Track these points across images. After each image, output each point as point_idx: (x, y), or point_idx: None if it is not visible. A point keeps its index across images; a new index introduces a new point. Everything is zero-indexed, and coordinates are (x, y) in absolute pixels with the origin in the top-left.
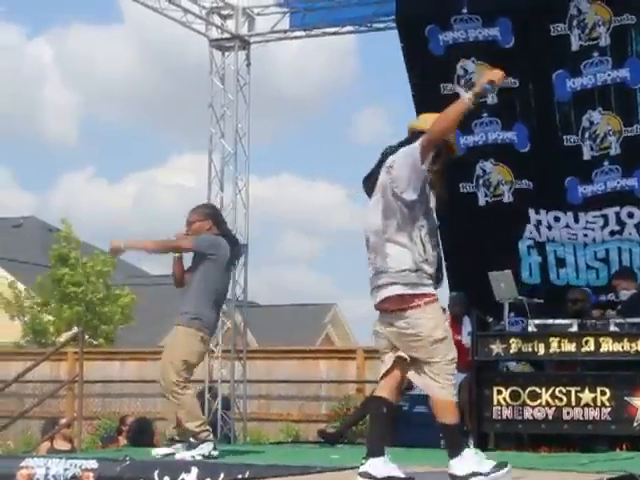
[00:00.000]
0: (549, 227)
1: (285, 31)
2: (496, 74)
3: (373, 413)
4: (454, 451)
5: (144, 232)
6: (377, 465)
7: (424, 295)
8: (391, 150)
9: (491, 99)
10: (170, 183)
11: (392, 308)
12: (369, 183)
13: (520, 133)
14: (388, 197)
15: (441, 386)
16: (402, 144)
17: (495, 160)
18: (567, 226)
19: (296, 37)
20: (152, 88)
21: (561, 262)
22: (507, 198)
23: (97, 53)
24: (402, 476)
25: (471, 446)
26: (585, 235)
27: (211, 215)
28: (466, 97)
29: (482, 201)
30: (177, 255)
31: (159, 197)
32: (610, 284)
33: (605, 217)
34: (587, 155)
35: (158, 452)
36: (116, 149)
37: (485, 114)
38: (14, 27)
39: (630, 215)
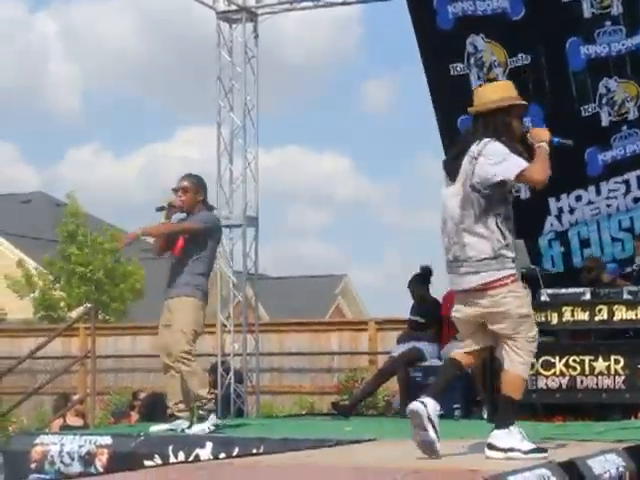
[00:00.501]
0: (571, 210)
1: (292, 2)
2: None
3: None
4: (503, 423)
5: (151, 205)
6: (500, 437)
7: (508, 276)
8: (473, 135)
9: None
10: (176, 156)
11: (477, 289)
12: (452, 167)
13: (535, 116)
14: (467, 188)
15: (522, 361)
16: (485, 125)
17: None
18: (590, 202)
19: (304, 8)
20: (157, 61)
21: (585, 242)
22: (524, 194)
23: (101, 26)
24: (526, 448)
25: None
26: (608, 206)
27: (202, 186)
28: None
29: None
30: (164, 222)
31: (166, 170)
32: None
33: (627, 183)
34: (605, 121)
35: (157, 429)
36: (122, 123)
37: None
38: (15, 1)
39: None
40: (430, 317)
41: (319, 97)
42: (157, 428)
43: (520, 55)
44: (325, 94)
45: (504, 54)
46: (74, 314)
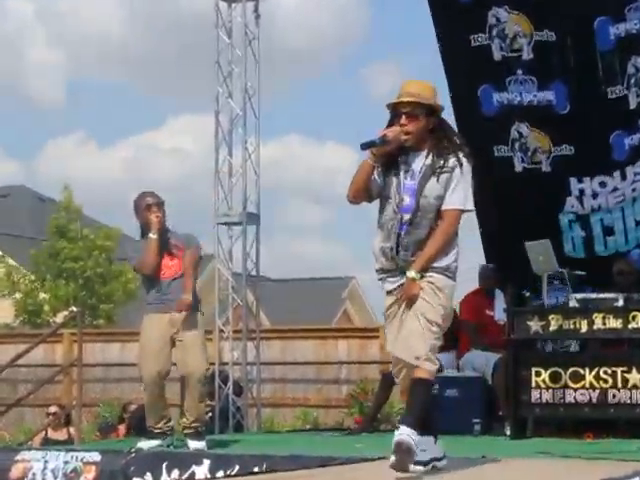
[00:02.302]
0: (594, 195)
1: None
2: (391, 129)
3: None
4: None
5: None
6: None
7: None
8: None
9: (526, 54)
10: (167, 147)
11: None
12: None
13: (559, 93)
14: None
15: None
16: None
17: (531, 125)
18: (615, 189)
19: None
20: (146, 44)
21: (609, 230)
22: (545, 167)
23: (83, 7)
24: None
25: None
26: (633, 190)
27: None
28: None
29: (519, 167)
30: (155, 237)
31: (155, 162)
32: None
33: None
34: (633, 104)
35: (144, 445)
36: (106, 111)
37: (519, 71)
38: None
39: None
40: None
41: (320, 82)
42: (146, 444)
43: (546, 31)
44: (327, 79)
45: (529, 26)
46: (59, 319)
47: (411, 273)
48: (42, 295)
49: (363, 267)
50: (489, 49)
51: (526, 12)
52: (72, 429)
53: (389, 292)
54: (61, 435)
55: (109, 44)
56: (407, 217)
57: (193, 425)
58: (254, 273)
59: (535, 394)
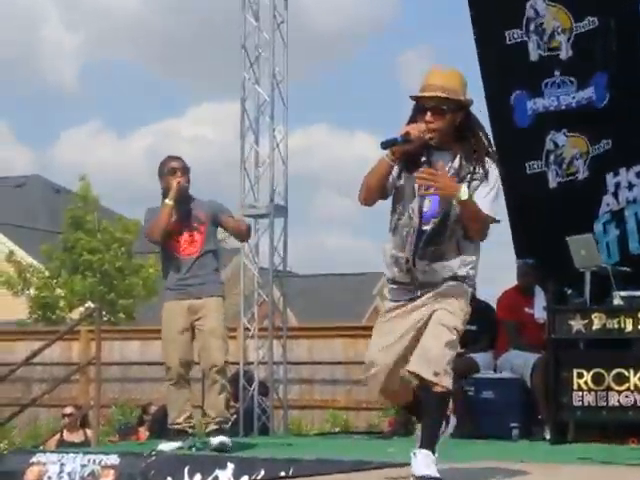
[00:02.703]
0: (629, 187)
1: None
2: (415, 126)
3: None
4: None
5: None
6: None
7: None
8: None
9: (564, 53)
10: (189, 135)
11: None
12: None
13: (598, 86)
14: None
15: None
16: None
17: (569, 130)
18: None
19: None
20: (163, 26)
21: None
22: (582, 174)
23: None
24: None
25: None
26: None
27: None
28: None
29: (553, 182)
30: (170, 204)
31: (175, 152)
32: None
33: None
34: None
35: (165, 447)
36: (125, 98)
37: (557, 72)
38: None
39: None
40: (483, 323)
41: (350, 69)
42: (167, 446)
43: (587, 18)
44: (357, 65)
45: (569, 20)
46: (75, 315)
47: (465, 193)
48: (57, 290)
49: None
50: (525, 47)
51: (565, 3)
52: (89, 431)
53: (396, 301)
54: (77, 437)
55: (127, 26)
56: (429, 226)
57: (217, 420)
58: (281, 268)
59: (576, 396)
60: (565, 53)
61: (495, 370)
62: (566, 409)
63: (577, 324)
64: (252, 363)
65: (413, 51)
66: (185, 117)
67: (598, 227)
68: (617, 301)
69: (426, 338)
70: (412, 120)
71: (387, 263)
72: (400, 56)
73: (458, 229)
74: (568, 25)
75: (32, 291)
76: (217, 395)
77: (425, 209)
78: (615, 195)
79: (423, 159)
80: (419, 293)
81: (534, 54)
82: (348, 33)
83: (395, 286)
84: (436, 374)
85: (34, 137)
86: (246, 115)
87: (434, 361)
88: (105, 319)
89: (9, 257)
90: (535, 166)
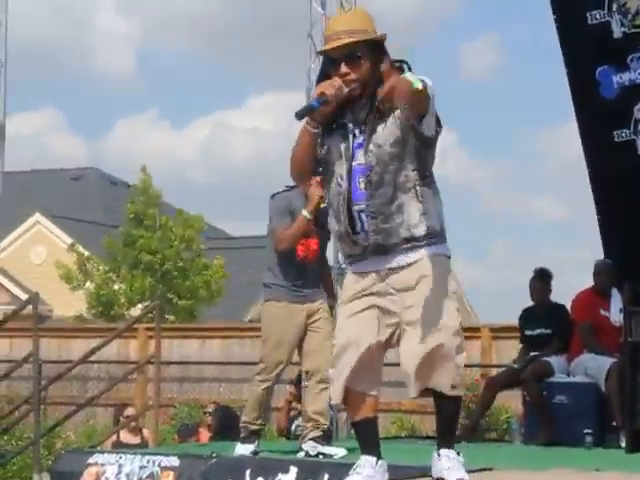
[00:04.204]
0: None
1: None
2: (329, 84)
3: None
4: None
5: (216, 185)
6: None
7: None
8: None
9: None
10: (246, 127)
11: None
12: None
13: None
14: None
15: None
16: None
17: None
18: None
19: None
20: (224, 14)
21: None
22: None
23: None
24: None
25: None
26: None
27: None
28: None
29: None
30: (309, 218)
31: (233, 144)
32: None
33: None
34: None
35: (242, 450)
36: (182, 88)
37: None
38: None
39: None
40: (557, 325)
41: (414, 59)
42: (244, 448)
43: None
44: (424, 53)
45: None
46: (134, 312)
47: (417, 81)
48: (116, 286)
49: (463, 261)
50: (608, 26)
51: None
52: (146, 431)
53: (360, 274)
54: (134, 439)
55: (185, 14)
56: (363, 180)
57: (325, 427)
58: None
59: None
60: None
61: (569, 374)
62: None
63: None
64: None
65: (479, 39)
66: (244, 108)
67: None
68: None
69: (425, 345)
70: (325, 77)
71: (335, 241)
72: (465, 43)
73: (399, 175)
74: None
75: (90, 285)
76: (326, 401)
77: (358, 163)
78: None
79: (347, 116)
80: (382, 269)
81: (617, 32)
82: (416, 20)
83: (352, 260)
84: (453, 387)
85: (88, 127)
86: None
87: (446, 374)
88: (165, 317)
89: (71, 248)
90: (624, 134)
